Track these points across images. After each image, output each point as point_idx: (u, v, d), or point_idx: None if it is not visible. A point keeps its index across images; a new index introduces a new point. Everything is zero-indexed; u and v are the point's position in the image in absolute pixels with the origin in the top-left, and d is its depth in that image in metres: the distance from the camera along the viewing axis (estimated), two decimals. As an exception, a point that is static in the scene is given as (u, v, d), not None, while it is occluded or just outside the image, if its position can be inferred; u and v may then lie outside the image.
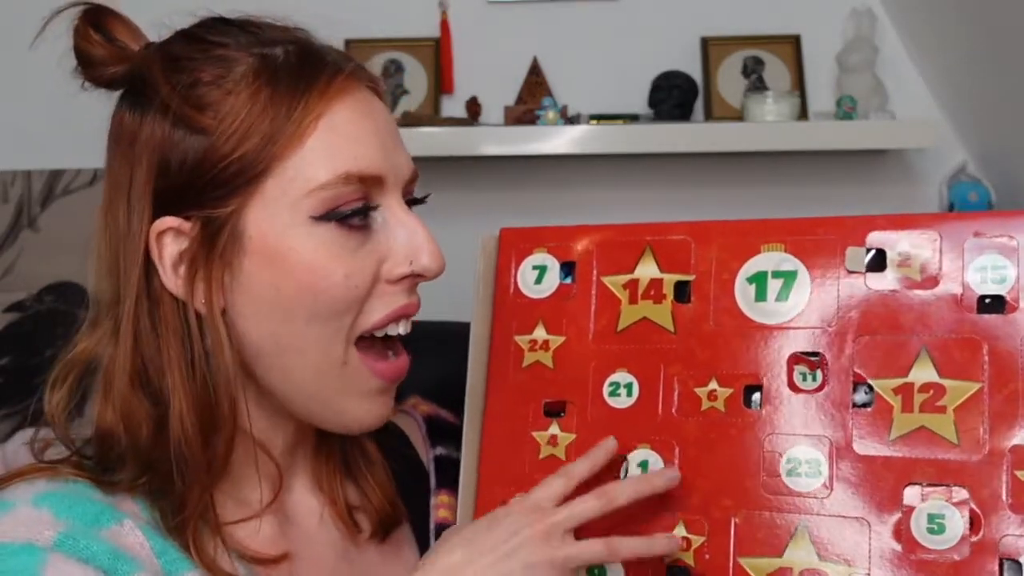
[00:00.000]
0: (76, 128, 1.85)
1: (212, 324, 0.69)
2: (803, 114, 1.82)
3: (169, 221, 0.69)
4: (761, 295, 0.74)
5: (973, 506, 0.66)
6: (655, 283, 0.77)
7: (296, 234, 0.68)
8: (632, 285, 0.78)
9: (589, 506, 0.69)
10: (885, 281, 0.71)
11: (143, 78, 0.70)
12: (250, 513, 0.73)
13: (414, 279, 0.73)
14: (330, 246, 0.69)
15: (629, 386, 0.76)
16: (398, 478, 0.82)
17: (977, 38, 1.66)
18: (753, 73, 1.86)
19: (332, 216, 0.69)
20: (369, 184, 0.70)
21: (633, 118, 1.82)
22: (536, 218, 1.94)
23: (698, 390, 0.74)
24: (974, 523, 0.66)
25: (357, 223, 0.70)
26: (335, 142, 0.69)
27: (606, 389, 0.77)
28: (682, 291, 0.77)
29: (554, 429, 0.77)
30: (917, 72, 1.87)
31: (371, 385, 0.73)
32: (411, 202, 0.76)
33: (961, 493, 0.66)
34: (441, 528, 0.82)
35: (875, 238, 0.72)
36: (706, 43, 1.88)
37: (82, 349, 0.71)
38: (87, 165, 1.84)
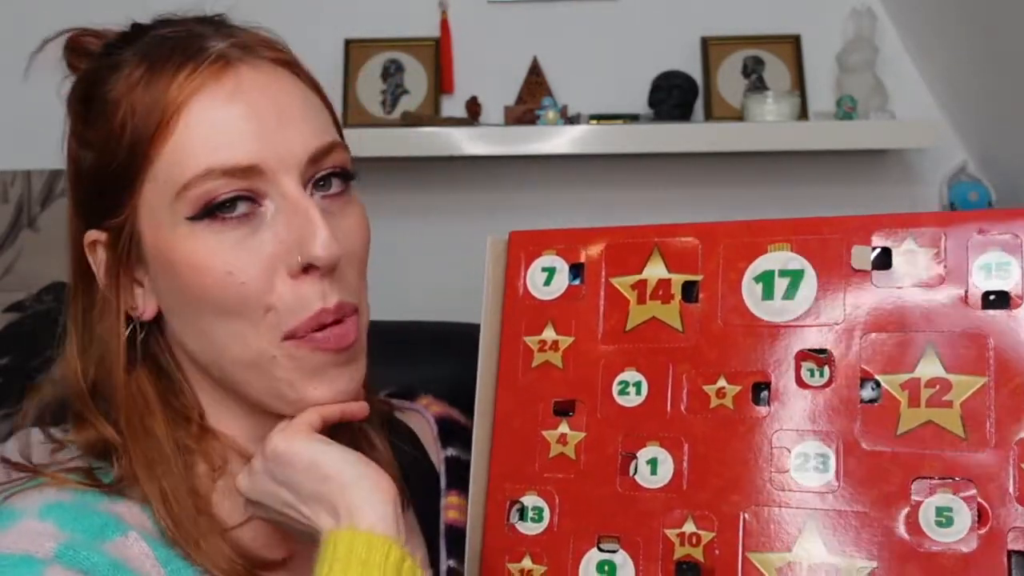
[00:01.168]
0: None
1: (108, 325, 0.71)
2: (803, 114, 1.83)
3: (93, 234, 0.71)
4: (768, 294, 0.75)
5: (980, 499, 0.67)
6: (663, 283, 0.78)
7: (177, 235, 0.67)
8: (640, 286, 0.79)
9: None
10: (891, 279, 0.72)
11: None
12: (244, 517, 0.72)
13: (316, 272, 0.67)
14: (208, 243, 0.66)
15: (638, 385, 0.77)
16: (408, 478, 0.82)
17: (977, 38, 1.66)
18: (753, 73, 1.86)
19: (205, 214, 0.66)
20: (241, 175, 0.66)
21: (633, 118, 1.83)
22: (536, 218, 1.95)
23: (707, 388, 0.75)
24: (982, 516, 0.66)
25: (235, 215, 0.66)
26: (195, 136, 0.66)
27: (615, 388, 0.77)
28: (690, 291, 0.77)
29: (564, 428, 0.78)
30: (917, 72, 1.87)
31: (315, 361, 0.69)
32: (331, 179, 0.71)
33: (968, 487, 0.67)
34: (451, 530, 0.82)
35: (880, 236, 0.73)
36: (706, 43, 1.89)
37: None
38: (87, 165, 1.84)
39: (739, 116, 1.83)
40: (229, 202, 0.66)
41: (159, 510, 0.68)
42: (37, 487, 0.67)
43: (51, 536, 0.64)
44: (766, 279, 0.75)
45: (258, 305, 0.67)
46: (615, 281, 0.80)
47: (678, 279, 0.78)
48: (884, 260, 0.73)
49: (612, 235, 0.81)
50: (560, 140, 1.75)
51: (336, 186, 0.71)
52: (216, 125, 0.66)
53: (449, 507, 0.84)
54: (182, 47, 0.68)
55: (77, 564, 0.63)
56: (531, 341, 0.81)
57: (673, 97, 1.81)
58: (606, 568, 0.74)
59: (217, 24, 0.72)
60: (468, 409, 0.83)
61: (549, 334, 0.80)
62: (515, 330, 0.81)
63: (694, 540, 0.72)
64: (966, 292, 0.70)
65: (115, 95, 0.68)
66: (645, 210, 1.90)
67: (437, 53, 1.89)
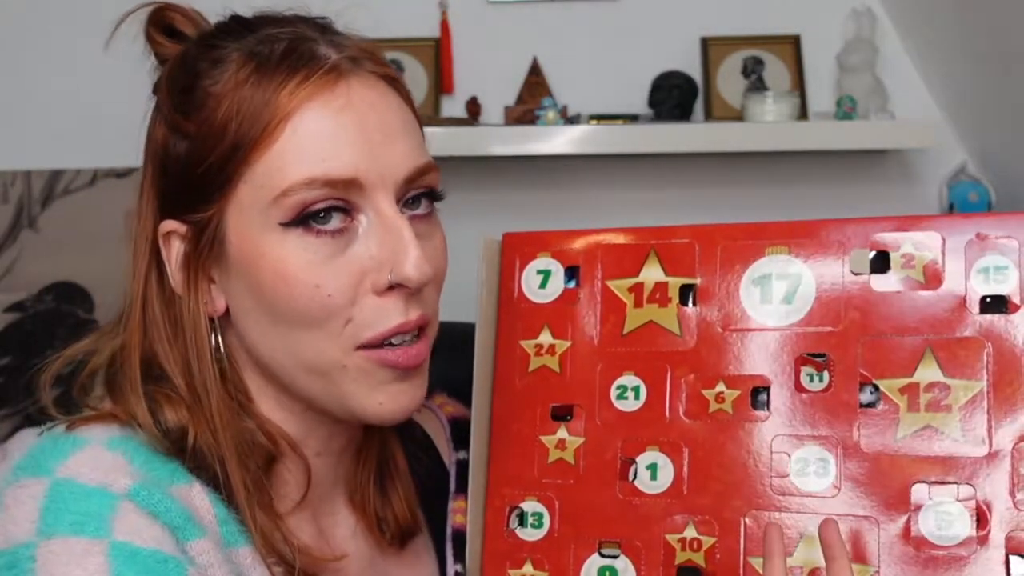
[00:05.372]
0: (76, 128, 1.85)
1: (195, 323, 0.70)
2: (803, 114, 1.83)
3: (170, 224, 0.70)
4: (766, 297, 0.75)
5: (979, 503, 0.67)
6: (660, 286, 0.78)
7: (268, 240, 0.67)
8: (637, 289, 0.78)
9: None
10: (889, 282, 0.72)
11: (160, 79, 0.72)
12: (288, 509, 0.73)
13: (403, 290, 0.68)
14: (301, 254, 0.66)
15: (636, 389, 0.77)
16: (419, 482, 0.82)
17: (977, 38, 1.66)
18: (753, 73, 1.86)
19: (299, 223, 0.66)
20: (342, 188, 0.66)
21: (633, 118, 1.83)
22: (536, 218, 1.94)
23: (706, 392, 0.75)
24: (981, 520, 0.67)
25: (330, 229, 0.66)
26: (302, 144, 0.66)
27: (613, 392, 0.77)
28: (687, 294, 0.77)
29: (562, 433, 0.78)
30: (917, 72, 1.87)
31: (380, 377, 0.69)
32: (421, 199, 0.71)
33: (967, 490, 0.67)
34: (457, 534, 0.81)
35: (878, 240, 0.73)
36: (706, 43, 1.89)
37: (82, 345, 0.72)
38: (87, 165, 1.84)
39: (739, 116, 1.83)
40: (324, 212, 0.66)
41: (233, 472, 0.68)
42: (101, 420, 0.67)
43: (124, 471, 0.63)
44: (764, 282, 0.75)
45: (340, 318, 0.67)
46: (611, 284, 0.79)
47: (675, 282, 0.77)
48: (882, 263, 0.73)
49: (607, 236, 0.80)
50: (560, 140, 1.75)
51: (425, 207, 0.71)
52: (323, 135, 0.66)
53: (456, 511, 0.83)
54: (294, 52, 0.68)
55: (151, 506, 0.62)
56: (527, 345, 0.80)
57: (673, 97, 1.81)
58: (608, 573, 0.74)
59: (323, 28, 0.71)
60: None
61: (545, 338, 0.80)
62: (511, 334, 0.81)
63: (695, 545, 0.72)
64: (964, 296, 0.70)
65: (219, 90, 0.67)
66: (645, 210, 1.90)
67: (437, 53, 1.89)
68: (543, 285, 0.81)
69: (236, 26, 0.72)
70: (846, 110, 1.75)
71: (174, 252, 0.70)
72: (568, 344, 0.79)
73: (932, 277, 0.71)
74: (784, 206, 1.86)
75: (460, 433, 0.88)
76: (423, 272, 0.67)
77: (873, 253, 0.73)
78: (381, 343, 0.68)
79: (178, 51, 0.72)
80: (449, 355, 0.78)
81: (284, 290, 0.66)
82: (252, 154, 0.66)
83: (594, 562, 0.75)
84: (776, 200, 1.88)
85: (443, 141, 1.74)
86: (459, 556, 0.81)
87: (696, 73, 1.86)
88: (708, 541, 0.72)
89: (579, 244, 0.81)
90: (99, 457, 0.64)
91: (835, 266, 0.73)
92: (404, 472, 0.81)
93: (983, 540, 0.66)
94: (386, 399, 0.69)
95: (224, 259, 0.69)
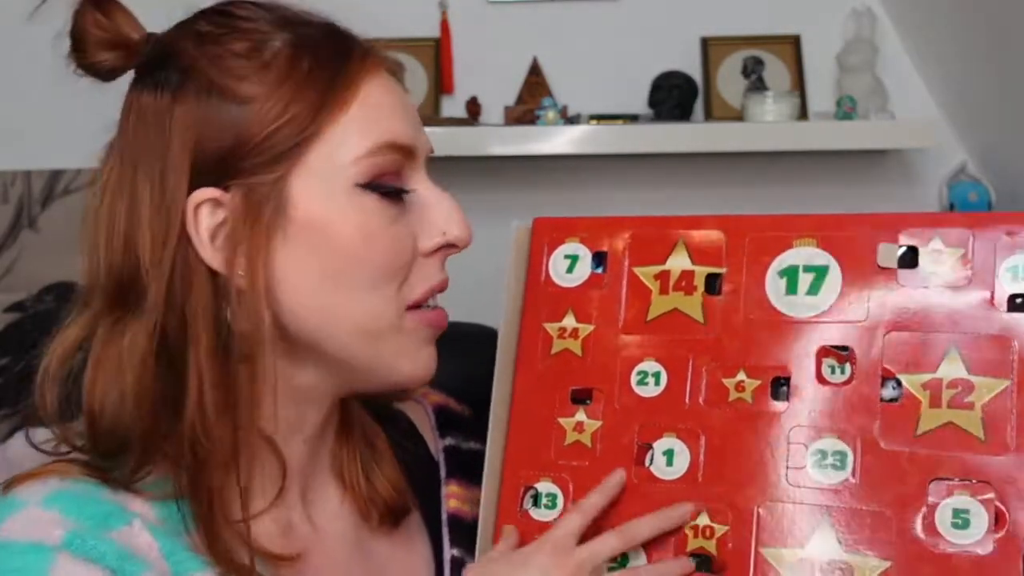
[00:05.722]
0: (76, 128, 1.85)
1: (252, 297, 0.67)
2: (803, 114, 1.83)
3: (208, 192, 0.67)
4: (792, 289, 0.75)
5: (998, 503, 0.66)
6: (686, 275, 0.78)
7: (340, 203, 0.69)
8: (663, 276, 0.79)
9: (610, 544, 0.71)
10: (917, 278, 0.72)
11: (169, 56, 0.70)
12: (262, 506, 0.72)
13: (446, 251, 0.74)
14: (373, 215, 0.70)
15: (657, 375, 0.77)
16: (407, 469, 0.82)
17: (977, 38, 1.66)
18: (753, 73, 1.86)
19: (374, 186, 0.70)
20: (407, 155, 0.72)
21: (633, 118, 1.83)
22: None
23: (726, 381, 0.75)
24: (999, 519, 0.66)
25: (396, 192, 0.71)
26: (372, 114, 0.70)
27: (634, 378, 0.77)
28: (713, 283, 0.77)
29: (580, 416, 0.78)
30: (917, 72, 1.87)
31: (424, 336, 0.74)
32: None
33: (986, 489, 0.67)
34: (453, 519, 0.82)
35: (908, 235, 0.73)
36: (706, 43, 1.89)
37: (75, 335, 0.70)
38: (87, 165, 1.84)
39: (739, 116, 1.83)
40: (393, 177, 0.71)
41: (198, 507, 0.67)
42: (39, 477, 0.67)
43: (58, 524, 0.63)
44: (790, 274, 0.75)
45: (400, 278, 0.71)
46: (638, 271, 0.79)
47: (701, 271, 0.78)
48: (910, 259, 0.72)
49: (637, 225, 0.81)
50: (560, 140, 1.75)
51: None
52: (388, 106, 0.72)
53: (450, 496, 0.84)
54: (342, 36, 0.73)
55: (85, 552, 0.63)
56: (551, 328, 0.80)
57: (673, 97, 1.81)
58: (618, 557, 0.74)
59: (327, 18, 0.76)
60: (472, 403, 0.83)
61: (569, 321, 0.80)
62: (535, 316, 0.81)
63: (707, 533, 0.72)
64: (992, 294, 0.70)
65: (286, 54, 0.69)
66: (645, 210, 1.89)
67: (437, 53, 1.89)
68: (570, 270, 0.81)
69: (251, 5, 0.72)
70: (846, 110, 1.75)
71: (204, 223, 0.68)
72: (591, 328, 0.79)
73: (960, 274, 0.71)
74: (784, 206, 1.85)
75: (446, 419, 0.90)
76: (469, 232, 0.74)
77: (903, 248, 0.73)
78: (422, 304, 0.73)
79: (178, 28, 0.72)
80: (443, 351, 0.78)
81: (364, 248, 0.69)
82: (329, 116, 0.69)
83: None
84: (776, 200, 1.88)
85: (443, 141, 1.74)
86: (455, 541, 0.81)
87: (696, 73, 1.86)
88: (721, 529, 0.72)
89: (608, 231, 0.81)
90: (33, 517, 0.64)
91: (863, 260, 0.73)
92: (387, 454, 0.81)
93: (1000, 540, 0.66)
94: (427, 359, 0.74)
95: (285, 224, 0.68)
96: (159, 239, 0.68)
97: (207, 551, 0.67)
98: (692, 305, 0.77)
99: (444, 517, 0.83)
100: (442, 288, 0.75)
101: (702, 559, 0.72)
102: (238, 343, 0.68)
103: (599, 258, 0.81)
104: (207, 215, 0.68)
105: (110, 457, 0.68)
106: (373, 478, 0.80)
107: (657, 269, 0.79)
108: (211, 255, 0.68)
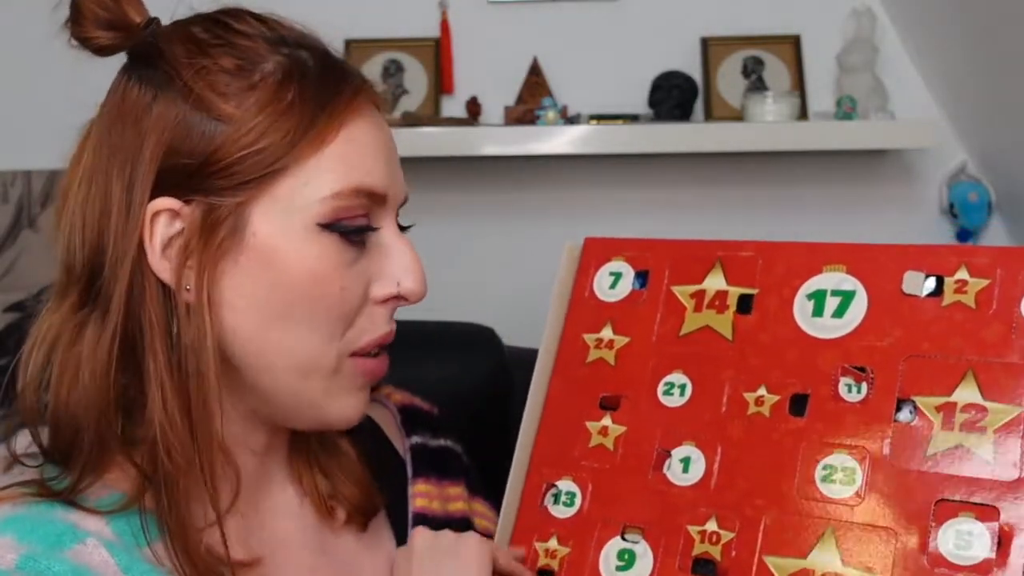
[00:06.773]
0: (76, 129, 1.85)
1: (198, 314, 0.66)
2: (803, 114, 1.83)
3: (167, 202, 0.67)
4: (818, 311, 0.78)
5: (1003, 526, 0.67)
6: (720, 294, 0.82)
7: (299, 239, 0.68)
8: (699, 295, 0.83)
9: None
10: (940, 306, 0.74)
11: (159, 54, 0.69)
12: (218, 515, 0.71)
13: (397, 301, 0.73)
14: (330, 256, 0.69)
15: (683, 387, 0.81)
16: (373, 470, 0.82)
17: (977, 38, 1.66)
18: (753, 73, 1.86)
19: (337, 227, 0.69)
20: (374, 201, 0.71)
21: (633, 118, 1.83)
22: (536, 218, 1.95)
23: (747, 395, 0.78)
24: (1002, 542, 0.67)
25: (357, 237, 0.70)
26: (352, 154, 0.69)
27: (661, 388, 0.82)
28: (745, 303, 0.81)
29: (607, 421, 0.82)
30: (917, 72, 1.87)
31: (358, 383, 0.73)
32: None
33: (992, 512, 0.68)
34: (418, 518, 0.83)
35: (934, 264, 0.76)
36: (706, 43, 1.89)
37: (49, 326, 0.69)
38: (87, 165, 1.84)
39: (739, 116, 1.83)
40: (359, 219, 0.70)
41: (163, 514, 0.67)
42: None
43: (11, 548, 0.63)
44: (818, 297, 0.79)
45: (347, 322, 0.71)
46: (676, 289, 0.84)
47: (735, 291, 0.82)
48: (936, 287, 0.75)
49: (679, 246, 0.86)
50: (560, 140, 1.75)
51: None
52: (369, 148, 0.71)
53: (417, 495, 0.85)
54: (335, 68, 0.72)
55: (39, 573, 0.62)
56: (589, 338, 0.86)
57: (673, 97, 1.81)
58: (626, 556, 0.77)
59: (323, 42, 0.74)
60: (467, 400, 0.85)
61: (607, 333, 0.85)
62: (576, 327, 0.86)
63: (714, 538, 0.75)
64: (1012, 323, 0.72)
65: (272, 81, 0.68)
66: (645, 210, 1.90)
67: (437, 53, 1.89)
68: (613, 286, 0.87)
69: (250, 18, 0.71)
70: (846, 110, 1.75)
71: (158, 232, 0.67)
72: (627, 340, 0.84)
73: (983, 303, 0.73)
74: (784, 206, 1.86)
75: (411, 418, 0.90)
76: (423, 289, 0.73)
77: (928, 277, 0.75)
78: (367, 352, 0.72)
79: (174, 27, 0.71)
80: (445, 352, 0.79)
81: (313, 288, 0.68)
82: (304, 152, 0.68)
83: (615, 544, 0.78)
84: (776, 200, 1.88)
85: (443, 141, 1.74)
86: None
87: (696, 73, 1.86)
88: (727, 536, 0.74)
89: (653, 251, 0.87)
90: None
91: (889, 286, 0.77)
92: (347, 452, 0.81)
93: (1001, 564, 0.66)
94: (356, 404, 0.74)
95: (239, 248, 0.67)
96: (120, 242, 0.67)
97: (174, 558, 0.66)
98: (723, 323, 0.81)
99: (410, 516, 0.84)
100: (387, 340, 0.73)
101: (706, 564, 0.74)
102: (185, 356, 0.67)
103: (641, 276, 0.86)
104: (163, 224, 0.67)
105: (65, 459, 0.68)
106: (335, 480, 0.80)
107: (694, 288, 0.83)
108: (159, 265, 0.67)
